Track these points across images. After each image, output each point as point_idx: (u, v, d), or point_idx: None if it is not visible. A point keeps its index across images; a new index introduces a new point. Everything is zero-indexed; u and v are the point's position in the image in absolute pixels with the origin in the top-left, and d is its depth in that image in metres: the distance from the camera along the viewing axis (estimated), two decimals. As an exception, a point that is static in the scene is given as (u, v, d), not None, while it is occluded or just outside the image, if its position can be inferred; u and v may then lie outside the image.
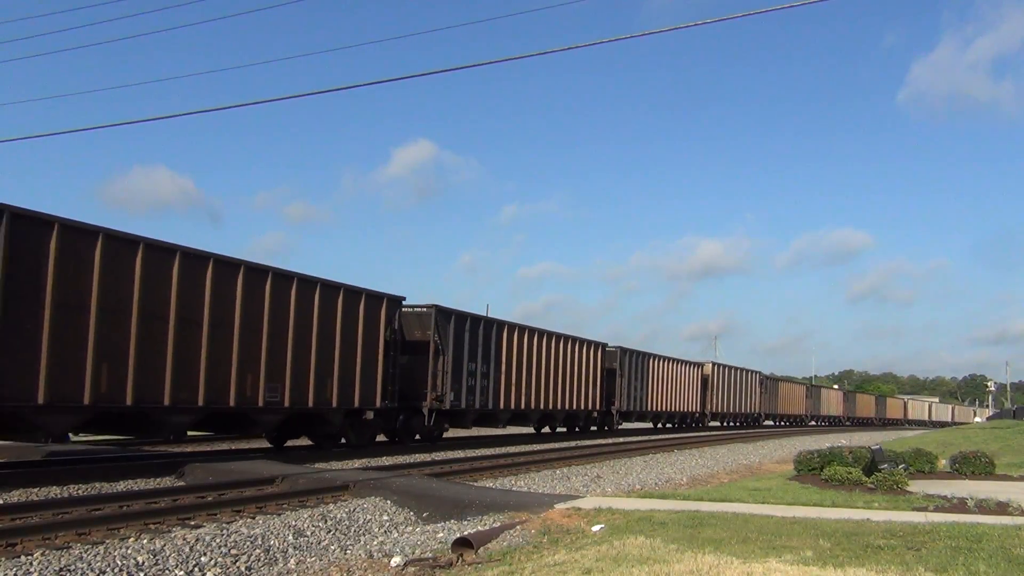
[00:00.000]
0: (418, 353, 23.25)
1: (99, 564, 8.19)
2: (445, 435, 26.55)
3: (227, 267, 16.50)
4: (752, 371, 57.33)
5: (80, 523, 9.59)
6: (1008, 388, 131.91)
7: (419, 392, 23.18)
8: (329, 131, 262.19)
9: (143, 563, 8.43)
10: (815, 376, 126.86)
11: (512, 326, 27.87)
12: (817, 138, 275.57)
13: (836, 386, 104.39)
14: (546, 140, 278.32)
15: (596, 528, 9.77)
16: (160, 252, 15.07)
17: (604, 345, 35.66)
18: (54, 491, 12.68)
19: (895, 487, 14.07)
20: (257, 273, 17.29)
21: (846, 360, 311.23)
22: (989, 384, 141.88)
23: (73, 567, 8.03)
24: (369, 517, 11.65)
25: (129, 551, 8.66)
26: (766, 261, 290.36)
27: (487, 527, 10.32)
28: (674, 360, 43.91)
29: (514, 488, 15.56)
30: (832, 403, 76.11)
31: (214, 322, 16.05)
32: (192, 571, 8.55)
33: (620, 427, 38.51)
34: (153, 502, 11.50)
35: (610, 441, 30.88)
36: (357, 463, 18.45)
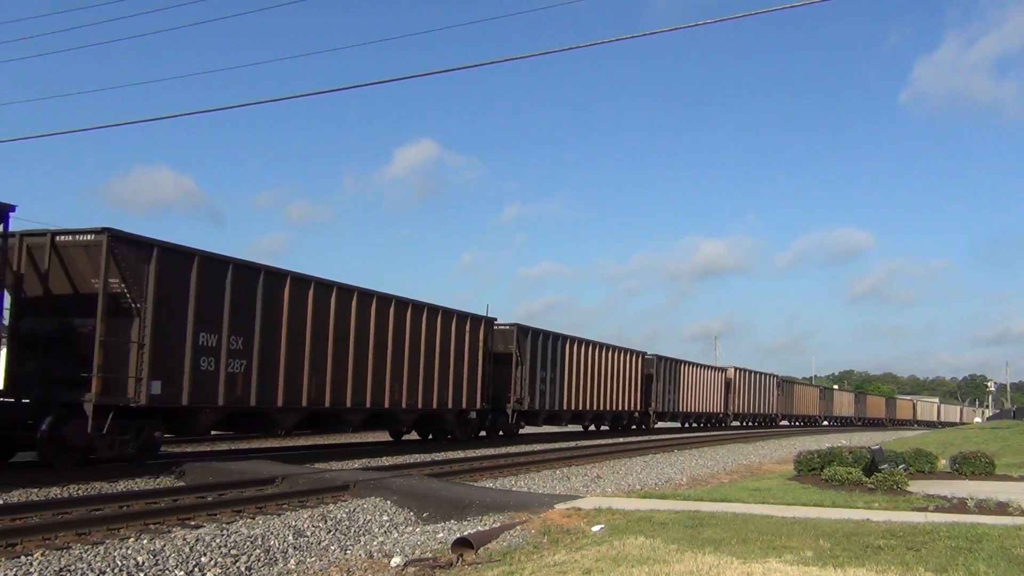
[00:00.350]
0: (501, 363, 27.81)
1: (99, 564, 8.19)
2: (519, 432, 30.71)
3: (383, 301, 21.54)
4: (770, 375, 61.73)
5: (80, 523, 9.59)
6: (1008, 388, 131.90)
7: (504, 396, 27.92)
8: (331, 131, 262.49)
9: (143, 563, 8.43)
10: (815, 376, 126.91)
11: (571, 339, 32.51)
12: (820, 138, 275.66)
13: (836, 386, 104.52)
14: (549, 140, 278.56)
15: (596, 528, 9.76)
16: (363, 296, 20.90)
17: (643, 353, 40.59)
18: (54, 491, 12.68)
19: (895, 487, 14.07)
20: (400, 305, 22.21)
21: (847, 360, 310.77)
22: (989, 384, 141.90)
23: (73, 567, 8.03)
24: (369, 517, 11.64)
25: (129, 551, 8.66)
26: (768, 261, 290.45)
27: (487, 527, 10.32)
28: (701, 366, 49.02)
29: (514, 488, 15.56)
30: (844, 404, 79.10)
31: (375, 343, 21.06)
32: (192, 571, 8.55)
33: (656, 426, 42.88)
34: (153, 502, 11.50)
35: (645, 439, 34.30)
36: (357, 463, 18.46)
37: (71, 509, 10.62)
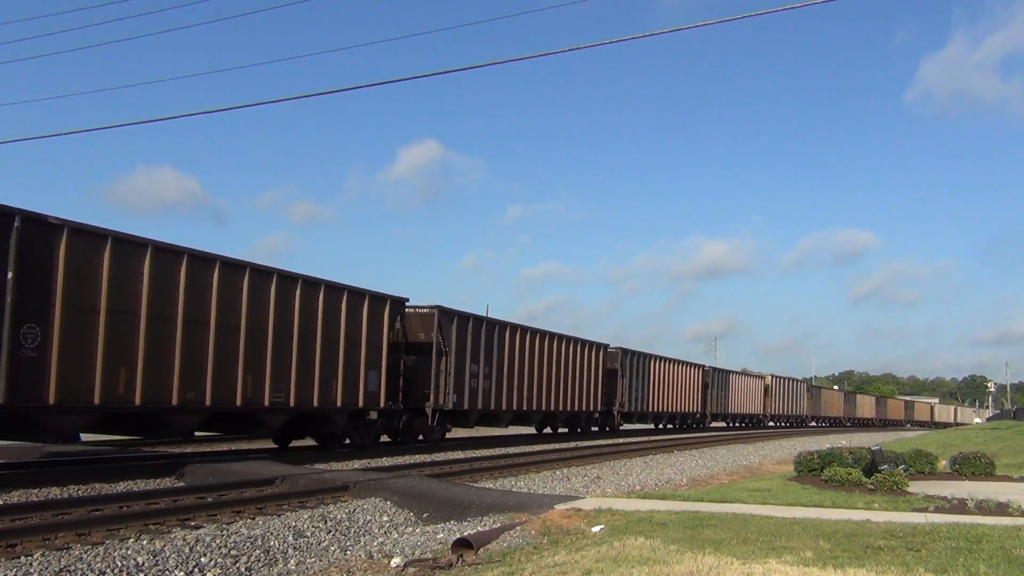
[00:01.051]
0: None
1: (99, 565, 8.19)
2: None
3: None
4: (801, 381, 65.36)
5: (80, 524, 9.60)
6: (1008, 389, 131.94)
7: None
8: (335, 131, 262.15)
9: (143, 564, 8.43)
10: (815, 377, 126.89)
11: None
12: (825, 137, 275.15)
13: (836, 387, 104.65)
14: (553, 140, 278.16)
15: (596, 529, 9.76)
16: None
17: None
18: (54, 492, 12.68)
19: (895, 488, 14.07)
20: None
21: (847, 361, 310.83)
22: (989, 385, 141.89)
23: (73, 568, 8.03)
24: (369, 518, 11.65)
25: (129, 552, 8.66)
26: (771, 262, 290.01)
27: (487, 528, 10.32)
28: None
29: (514, 489, 15.57)
30: (865, 407, 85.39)
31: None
32: (192, 572, 8.56)
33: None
34: (153, 503, 11.51)
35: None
36: (357, 464, 18.46)
37: (71, 510, 10.62)
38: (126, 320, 14.41)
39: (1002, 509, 11.54)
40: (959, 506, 11.92)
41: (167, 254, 15.26)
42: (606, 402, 35.75)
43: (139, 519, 10.16)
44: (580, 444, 28.54)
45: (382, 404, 21.43)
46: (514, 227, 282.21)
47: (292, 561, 9.42)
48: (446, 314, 24.28)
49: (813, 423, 69.19)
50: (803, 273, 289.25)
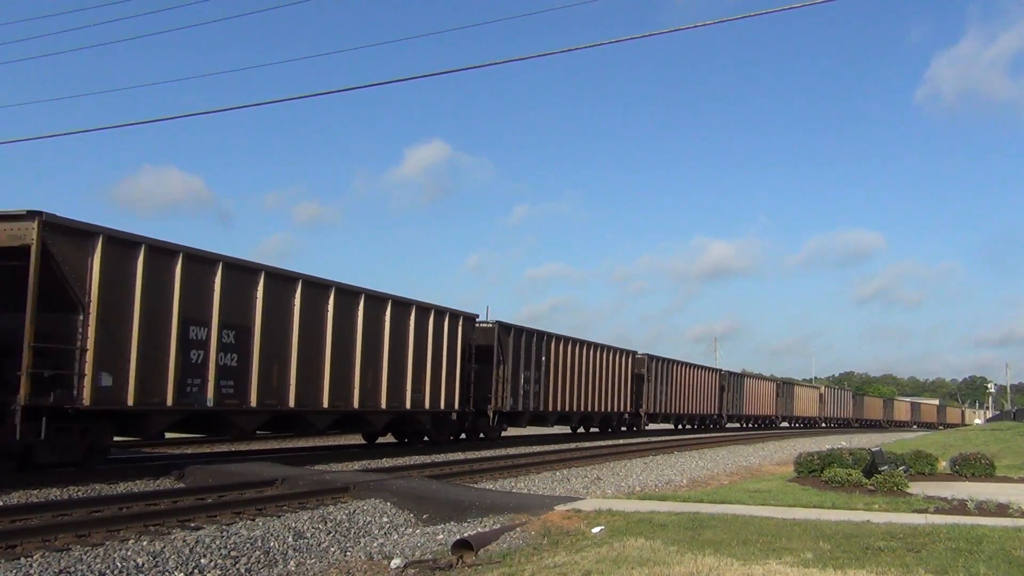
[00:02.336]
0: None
1: (99, 566, 8.19)
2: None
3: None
4: (848, 390, 73.59)
5: (80, 525, 9.60)
6: (1008, 390, 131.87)
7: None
8: (342, 131, 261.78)
9: (143, 565, 8.43)
10: (815, 378, 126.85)
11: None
12: (833, 138, 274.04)
13: (839, 386, 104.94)
14: (560, 140, 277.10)
15: (596, 530, 9.76)
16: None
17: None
18: (54, 493, 12.67)
19: (895, 489, 14.07)
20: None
21: (848, 362, 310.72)
22: (989, 386, 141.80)
23: (73, 569, 8.03)
24: (369, 519, 11.64)
25: (129, 553, 8.66)
26: (777, 263, 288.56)
27: (487, 529, 10.32)
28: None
29: (514, 490, 15.56)
30: (902, 411, 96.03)
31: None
32: (192, 573, 8.55)
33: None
34: (153, 504, 11.50)
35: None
36: (357, 465, 18.45)
37: (71, 511, 10.61)
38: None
39: (1002, 510, 11.53)
40: (959, 507, 11.91)
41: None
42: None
43: (139, 520, 10.15)
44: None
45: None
46: (519, 227, 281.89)
47: (292, 562, 9.42)
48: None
49: (856, 424, 79.37)
50: (808, 274, 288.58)
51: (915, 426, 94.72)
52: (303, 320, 18.20)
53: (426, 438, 24.71)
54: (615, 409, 36.72)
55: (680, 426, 47.65)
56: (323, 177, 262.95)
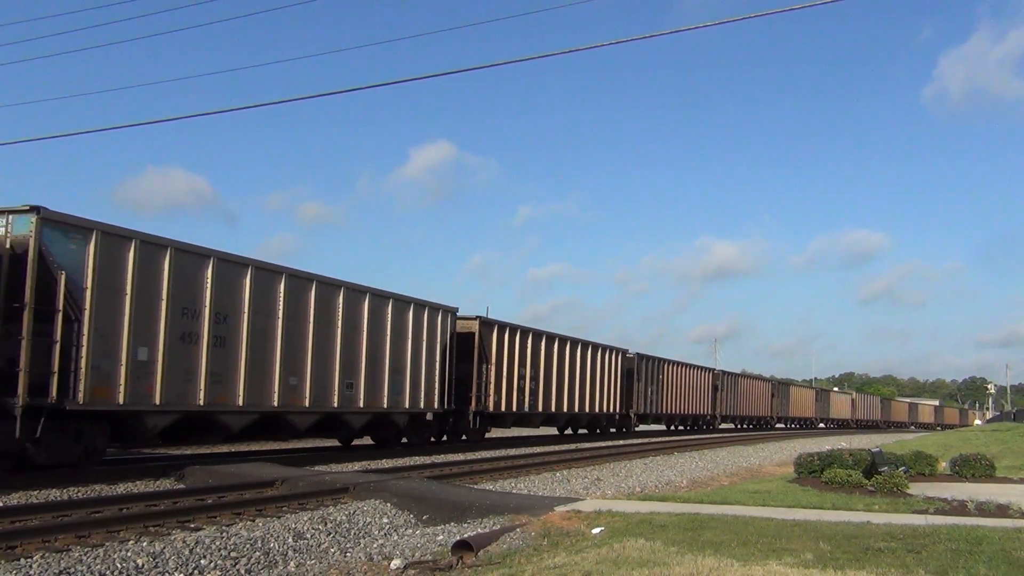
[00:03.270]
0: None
1: (99, 567, 8.19)
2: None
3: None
4: (881, 397, 78.61)
5: (80, 526, 9.59)
6: (1008, 390, 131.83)
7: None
8: (347, 132, 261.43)
9: (143, 566, 8.43)
10: (815, 379, 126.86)
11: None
12: (839, 138, 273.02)
13: (836, 388, 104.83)
14: (564, 140, 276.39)
15: (596, 531, 9.75)
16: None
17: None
18: (54, 493, 12.67)
19: (895, 490, 14.06)
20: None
21: (848, 363, 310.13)
22: (989, 386, 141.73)
23: (73, 570, 8.02)
24: (369, 520, 11.64)
25: (129, 554, 8.66)
26: (781, 263, 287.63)
27: (487, 530, 10.32)
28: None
29: (514, 491, 15.55)
30: (926, 412, 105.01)
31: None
32: (192, 573, 8.55)
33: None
34: (153, 505, 11.50)
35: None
36: (357, 466, 18.46)
37: (71, 511, 10.62)
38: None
39: (1002, 511, 11.53)
40: (959, 508, 11.91)
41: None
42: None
43: (139, 521, 10.15)
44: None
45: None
46: (524, 228, 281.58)
47: (292, 563, 9.41)
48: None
49: (885, 425, 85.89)
50: (812, 275, 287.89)
51: (912, 427, 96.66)
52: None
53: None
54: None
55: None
56: (328, 177, 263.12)
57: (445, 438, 25.86)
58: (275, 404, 17.49)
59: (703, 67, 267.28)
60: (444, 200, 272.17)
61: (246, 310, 16.68)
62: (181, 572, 8.52)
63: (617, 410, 36.78)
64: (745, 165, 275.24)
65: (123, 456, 18.76)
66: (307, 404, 18.45)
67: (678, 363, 44.68)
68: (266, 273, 17.43)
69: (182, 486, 14.04)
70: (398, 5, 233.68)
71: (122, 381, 13.94)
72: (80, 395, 13.20)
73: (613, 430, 38.02)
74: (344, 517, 11.46)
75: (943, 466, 19.33)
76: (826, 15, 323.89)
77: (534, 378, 28.97)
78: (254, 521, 10.81)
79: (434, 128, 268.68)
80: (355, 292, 20.20)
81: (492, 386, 26.12)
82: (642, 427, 41.56)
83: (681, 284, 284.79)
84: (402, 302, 22.00)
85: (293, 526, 10.60)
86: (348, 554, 9.95)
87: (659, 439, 36.28)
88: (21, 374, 12.39)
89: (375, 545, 10.32)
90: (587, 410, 33.72)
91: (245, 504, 11.79)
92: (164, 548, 8.97)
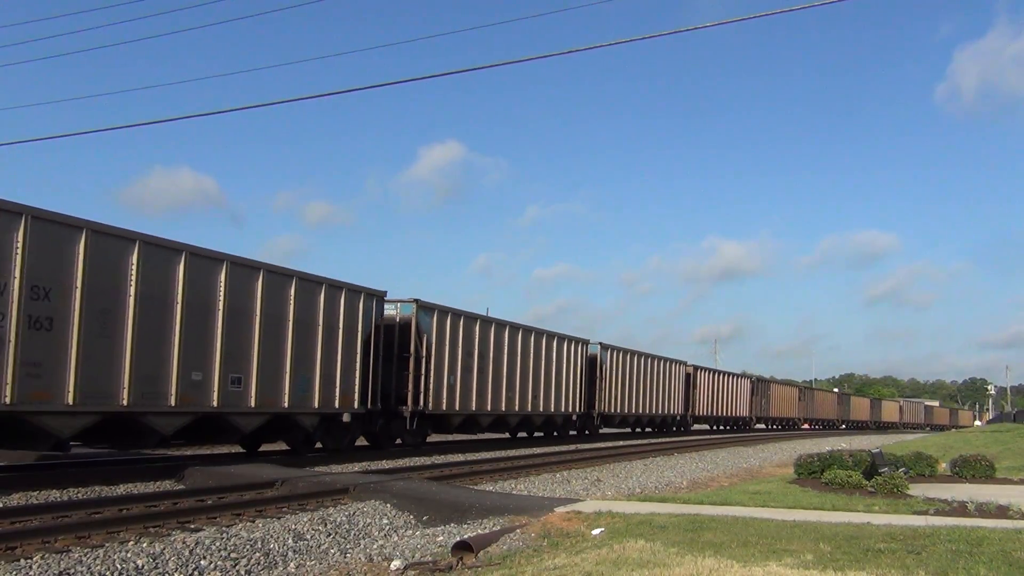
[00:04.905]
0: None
1: (99, 568, 8.19)
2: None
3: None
4: (922, 402, 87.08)
5: (80, 526, 9.59)
6: (1008, 391, 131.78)
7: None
8: (356, 132, 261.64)
9: (142, 566, 8.43)
10: (815, 380, 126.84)
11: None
12: (849, 137, 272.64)
13: (834, 390, 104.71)
14: (573, 140, 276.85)
15: (596, 531, 9.75)
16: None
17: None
18: (54, 494, 12.67)
19: (895, 491, 14.05)
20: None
21: (849, 363, 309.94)
22: (989, 388, 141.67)
23: (73, 570, 8.02)
24: (369, 520, 11.64)
25: (129, 554, 8.66)
26: (788, 264, 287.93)
27: (487, 530, 10.32)
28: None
29: (514, 492, 15.56)
30: (944, 415, 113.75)
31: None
32: (192, 574, 8.55)
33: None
34: (153, 505, 11.50)
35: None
36: (357, 467, 18.45)
37: (71, 512, 10.61)
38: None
39: (1002, 512, 11.53)
40: (959, 509, 11.90)
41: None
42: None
43: (139, 522, 10.15)
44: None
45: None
46: (531, 228, 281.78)
47: (292, 564, 9.41)
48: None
49: (927, 428, 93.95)
50: (820, 275, 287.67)
51: (904, 428, 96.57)
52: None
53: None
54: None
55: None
56: (337, 177, 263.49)
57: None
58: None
59: (713, 67, 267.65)
60: (452, 200, 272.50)
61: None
62: (181, 573, 8.52)
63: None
64: (755, 165, 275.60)
65: (122, 457, 18.75)
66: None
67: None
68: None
69: (182, 487, 14.03)
70: (408, 4, 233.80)
71: None
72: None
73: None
74: (344, 518, 11.46)
75: (943, 467, 19.33)
76: (839, 14, 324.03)
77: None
78: (254, 522, 10.81)
79: (444, 128, 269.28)
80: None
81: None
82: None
83: (687, 285, 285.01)
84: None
85: (293, 527, 10.60)
86: (348, 555, 9.95)
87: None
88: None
89: (375, 546, 10.32)
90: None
91: (245, 505, 11.78)
92: (164, 549, 8.97)
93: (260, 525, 10.57)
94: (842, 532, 9.43)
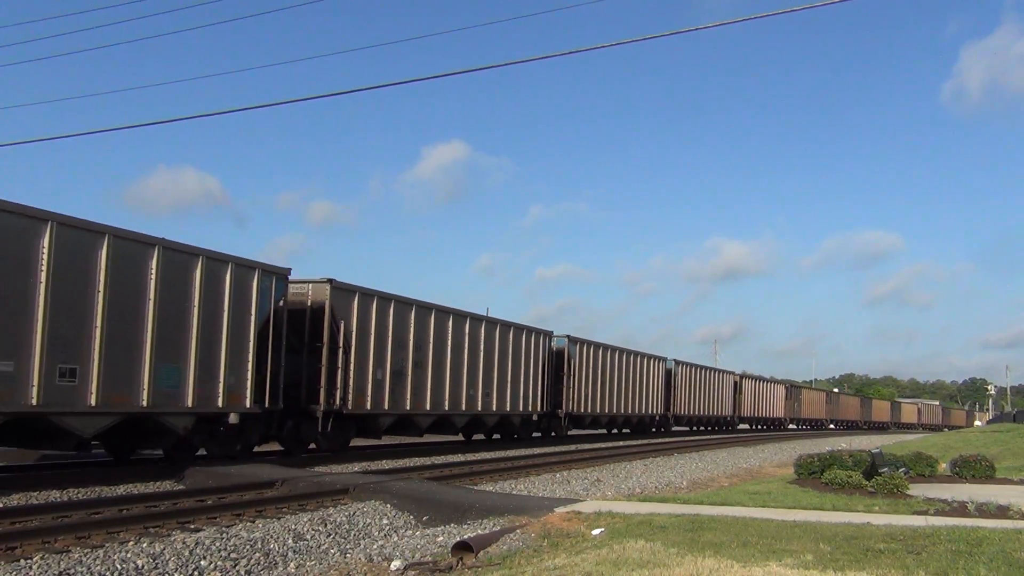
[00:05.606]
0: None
1: (99, 568, 8.19)
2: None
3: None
4: (938, 404, 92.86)
5: (80, 527, 9.60)
6: (1008, 392, 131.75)
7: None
8: (360, 132, 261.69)
9: (143, 567, 8.43)
10: (815, 380, 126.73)
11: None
12: (855, 137, 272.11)
13: (834, 390, 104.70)
14: (578, 139, 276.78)
15: (596, 532, 9.75)
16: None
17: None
18: (54, 494, 12.67)
19: (895, 491, 14.05)
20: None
21: (850, 363, 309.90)
22: (989, 388, 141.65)
23: (73, 571, 8.02)
24: (369, 521, 11.64)
25: (129, 555, 8.66)
26: (791, 264, 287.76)
27: (487, 531, 10.31)
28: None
29: (514, 492, 15.56)
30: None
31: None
32: (192, 574, 8.55)
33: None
34: (153, 506, 11.50)
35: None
36: (357, 467, 18.44)
37: (71, 512, 10.62)
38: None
39: (1002, 512, 11.52)
40: (959, 509, 11.90)
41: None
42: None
43: (139, 522, 10.16)
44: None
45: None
46: (534, 228, 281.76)
47: (292, 564, 9.41)
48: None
49: (945, 428, 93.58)
50: (823, 275, 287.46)
51: (921, 428, 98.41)
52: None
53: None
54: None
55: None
56: (340, 177, 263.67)
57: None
58: None
59: (717, 67, 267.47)
60: (457, 200, 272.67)
61: None
62: (181, 573, 8.52)
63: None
64: (759, 165, 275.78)
65: (123, 457, 18.72)
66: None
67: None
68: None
69: (182, 487, 14.03)
70: (412, 4, 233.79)
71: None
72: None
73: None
74: (344, 518, 11.46)
75: (943, 467, 19.33)
76: (843, 13, 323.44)
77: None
78: (254, 522, 10.82)
79: (448, 127, 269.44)
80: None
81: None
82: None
83: (690, 285, 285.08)
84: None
85: (293, 527, 10.60)
86: (348, 555, 9.95)
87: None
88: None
89: (375, 546, 10.32)
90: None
91: (245, 505, 11.79)
92: (164, 549, 8.97)
93: (260, 525, 10.57)
94: (842, 532, 9.43)
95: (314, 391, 18.98)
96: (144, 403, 14.44)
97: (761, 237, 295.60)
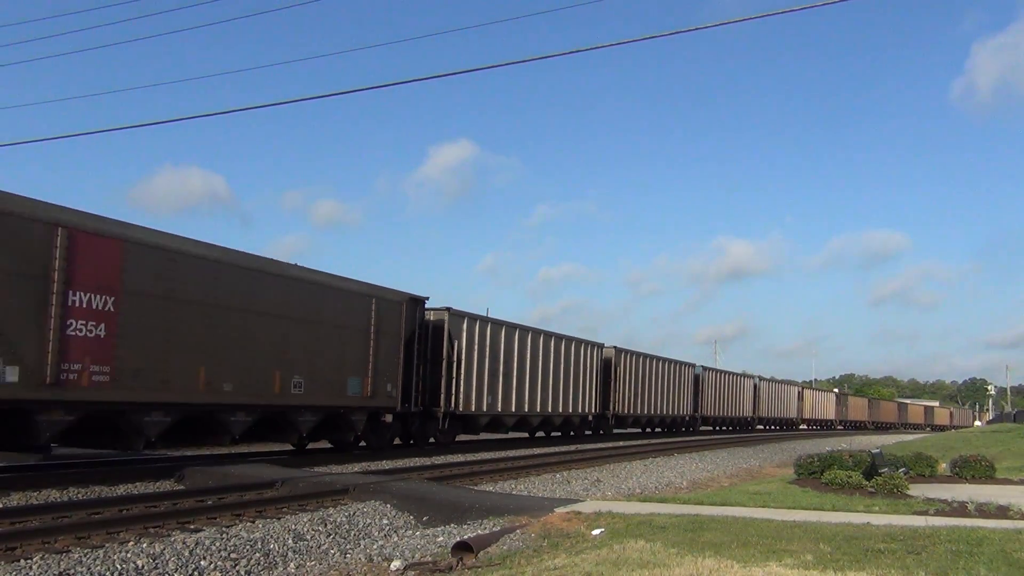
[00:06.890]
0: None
1: (99, 568, 8.19)
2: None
3: None
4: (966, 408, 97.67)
5: (80, 527, 9.59)
6: (1008, 392, 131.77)
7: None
8: (368, 132, 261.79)
9: (142, 567, 8.43)
10: (815, 380, 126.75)
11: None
12: (864, 135, 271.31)
13: (836, 389, 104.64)
14: (585, 138, 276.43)
15: (596, 532, 9.75)
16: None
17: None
18: (54, 494, 12.67)
19: (895, 491, 14.06)
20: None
21: (851, 364, 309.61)
22: (989, 388, 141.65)
23: (72, 571, 8.02)
24: (369, 521, 11.63)
25: (129, 555, 8.66)
26: (797, 263, 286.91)
27: (487, 531, 10.31)
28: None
29: (514, 492, 15.56)
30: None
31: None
32: (192, 575, 8.55)
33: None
34: (153, 506, 11.49)
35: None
36: (357, 467, 18.44)
37: (71, 513, 10.61)
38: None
39: (1002, 512, 11.53)
40: (959, 509, 11.90)
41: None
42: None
43: (139, 522, 10.15)
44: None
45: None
46: (539, 227, 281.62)
47: (292, 564, 9.41)
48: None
49: (952, 429, 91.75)
50: (827, 276, 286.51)
51: (929, 428, 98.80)
52: None
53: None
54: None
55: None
56: (347, 176, 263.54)
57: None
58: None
59: (723, 66, 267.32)
60: (462, 200, 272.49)
61: None
62: (181, 573, 8.52)
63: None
64: (766, 164, 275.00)
65: (122, 457, 18.74)
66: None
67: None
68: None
69: (182, 487, 14.03)
70: (419, 3, 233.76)
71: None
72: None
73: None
74: (344, 518, 11.46)
75: (943, 467, 19.33)
76: (851, 10, 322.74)
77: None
78: (254, 522, 10.81)
79: (455, 126, 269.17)
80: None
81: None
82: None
83: (694, 285, 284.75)
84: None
85: (293, 527, 10.60)
86: (348, 555, 9.95)
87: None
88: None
89: (375, 546, 10.32)
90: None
91: (245, 505, 11.78)
92: (164, 549, 8.97)
93: (260, 525, 10.57)
94: (842, 532, 9.43)
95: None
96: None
97: (768, 237, 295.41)
